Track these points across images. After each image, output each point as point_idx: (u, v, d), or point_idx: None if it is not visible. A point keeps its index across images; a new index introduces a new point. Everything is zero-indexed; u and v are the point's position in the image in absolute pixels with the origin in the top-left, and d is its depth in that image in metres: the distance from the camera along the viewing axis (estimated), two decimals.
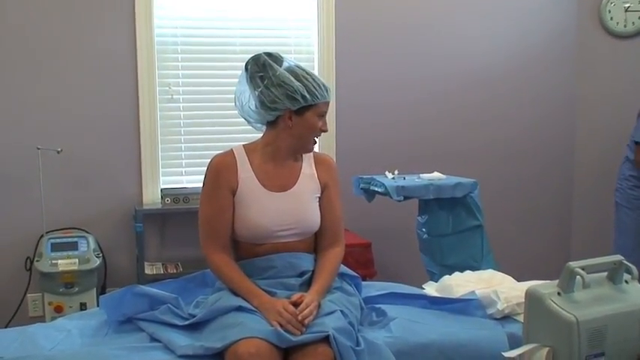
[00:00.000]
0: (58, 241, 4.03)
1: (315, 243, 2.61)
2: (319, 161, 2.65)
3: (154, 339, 2.33)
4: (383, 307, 2.56)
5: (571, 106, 4.99)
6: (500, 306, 2.49)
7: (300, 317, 2.24)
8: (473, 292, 2.61)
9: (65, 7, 4.14)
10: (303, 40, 4.61)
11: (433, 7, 4.75)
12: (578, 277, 1.95)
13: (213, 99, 4.43)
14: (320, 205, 2.60)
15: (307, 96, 2.44)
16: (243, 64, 2.56)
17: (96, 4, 4.19)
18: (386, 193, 3.75)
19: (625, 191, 4.28)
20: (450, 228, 3.86)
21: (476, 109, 4.86)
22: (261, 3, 4.51)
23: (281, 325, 2.21)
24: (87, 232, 4.17)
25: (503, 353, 1.98)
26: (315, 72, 4.48)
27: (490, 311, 2.53)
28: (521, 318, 2.45)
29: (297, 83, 2.44)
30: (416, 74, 4.74)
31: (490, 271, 2.90)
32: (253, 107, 2.54)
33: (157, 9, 4.30)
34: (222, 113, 4.37)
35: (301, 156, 2.61)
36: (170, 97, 4.41)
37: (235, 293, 2.40)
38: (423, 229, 3.96)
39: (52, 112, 4.17)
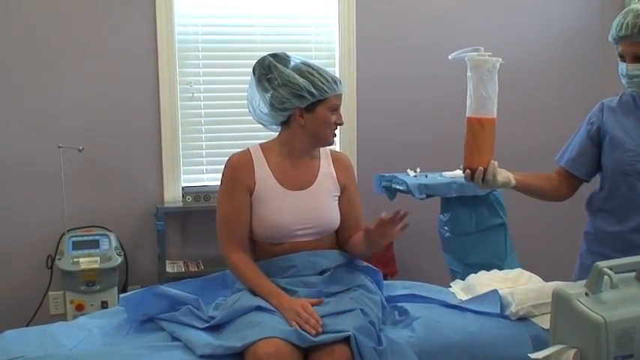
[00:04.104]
0: (79, 239, 4.04)
1: (338, 241, 2.60)
2: (337, 160, 2.64)
3: (174, 338, 2.32)
4: (405, 305, 2.53)
5: (595, 102, 4.92)
6: (513, 308, 2.44)
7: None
8: (495, 291, 2.56)
9: (86, 6, 4.15)
10: (324, 38, 4.59)
11: (455, 2, 4.72)
12: (606, 277, 1.91)
13: (234, 97, 4.41)
14: (340, 206, 2.59)
15: (314, 92, 2.43)
16: None
17: (117, 2, 4.19)
18: (408, 191, 3.73)
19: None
20: (473, 226, 3.83)
21: (498, 106, 4.80)
22: (282, 1, 4.49)
23: (299, 325, 2.19)
24: (108, 230, 4.17)
25: (529, 355, 1.94)
26: (336, 69, 4.49)
27: (506, 312, 2.49)
28: (537, 320, 2.43)
29: (302, 80, 2.42)
30: (438, 71, 4.69)
31: (518, 270, 2.83)
32: (264, 110, 2.54)
33: (177, 7, 4.29)
34: (243, 111, 4.26)
35: (318, 153, 2.60)
36: (191, 95, 4.41)
37: (254, 293, 2.38)
38: (446, 228, 3.93)
39: (74, 111, 4.18)
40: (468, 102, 2.51)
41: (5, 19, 4.05)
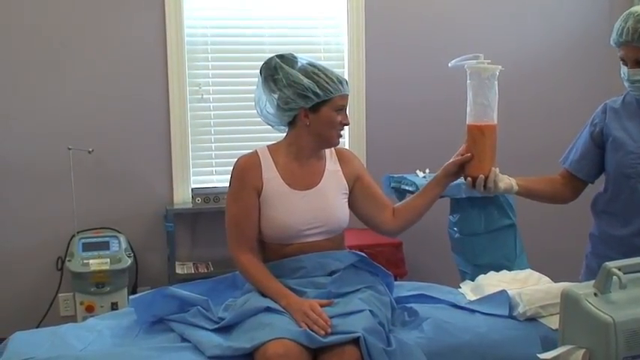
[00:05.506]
0: (89, 240, 4.06)
1: (379, 227, 2.66)
2: (341, 157, 2.64)
3: (184, 339, 2.33)
4: (415, 306, 2.53)
5: (604, 102, 4.90)
6: (521, 309, 2.43)
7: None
8: (503, 291, 2.56)
9: (95, 7, 4.17)
10: (333, 39, 4.60)
11: (464, 4, 4.71)
12: (614, 277, 1.91)
13: (243, 98, 4.41)
14: (361, 196, 2.62)
15: (319, 92, 2.43)
16: None
17: (126, 4, 4.21)
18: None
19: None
20: (482, 227, 3.81)
21: (507, 107, 4.76)
22: (291, 2, 4.50)
23: (308, 326, 2.20)
24: (118, 232, 4.19)
25: (538, 355, 1.94)
26: (345, 71, 4.49)
27: (514, 313, 2.48)
28: (546, 320, 2.42)
29: (306, 81, 2.42)
30: (446, 72, 4.64)
31: (528, 271, 2.82)
32: (270, 110, 2.55)
33: (187, 9, 4.31)
34: (252, 112, 4.23)
35: (324, 153, 2.60)
36: (200, 96, 4.42)
37: (264, 294, 2.39)
38: (455, 229, 3.91)
39: (83, 113, 4.20)
40: (468, 109, 2.50)
41: (13, 20, 4.07)
